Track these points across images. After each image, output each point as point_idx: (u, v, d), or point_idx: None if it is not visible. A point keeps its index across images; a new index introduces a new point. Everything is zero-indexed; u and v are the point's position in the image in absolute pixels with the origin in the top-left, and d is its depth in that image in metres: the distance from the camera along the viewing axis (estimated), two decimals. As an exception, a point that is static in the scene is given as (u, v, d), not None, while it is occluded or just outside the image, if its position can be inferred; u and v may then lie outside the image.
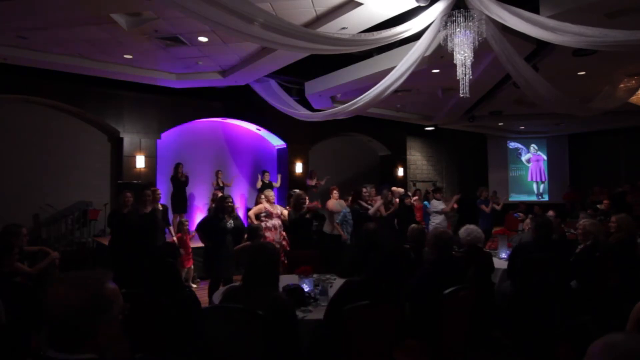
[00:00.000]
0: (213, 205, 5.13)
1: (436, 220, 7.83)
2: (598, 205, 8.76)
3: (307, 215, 5.80)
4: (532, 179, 14.77)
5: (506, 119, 11.74)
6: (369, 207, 6.49)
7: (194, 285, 6.38)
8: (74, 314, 1.14)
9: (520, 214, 9.45)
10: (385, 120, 11.06)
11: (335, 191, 7.23)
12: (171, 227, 5.73)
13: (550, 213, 5.73)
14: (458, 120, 11.09)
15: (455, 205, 8.30)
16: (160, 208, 5.60)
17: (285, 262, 5.70)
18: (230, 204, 5.03)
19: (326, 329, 2.48)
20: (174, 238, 6.22)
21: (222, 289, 3.75)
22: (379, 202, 6.63)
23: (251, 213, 5.94)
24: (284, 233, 5.94)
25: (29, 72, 7.03)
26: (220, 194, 5.68)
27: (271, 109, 8.30)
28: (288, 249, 5.72)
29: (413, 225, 4.62)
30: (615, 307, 3.10)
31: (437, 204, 8.01)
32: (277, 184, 9.95)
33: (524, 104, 9.50)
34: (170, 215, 8.41)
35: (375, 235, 4.68)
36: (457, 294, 2.92)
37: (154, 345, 2.67)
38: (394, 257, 2.62)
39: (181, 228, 6.47)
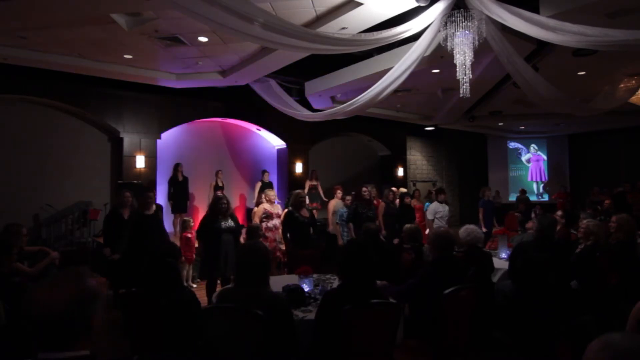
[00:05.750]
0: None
1: (438, 224, 7.35)
2: (598, 207, 8.74)
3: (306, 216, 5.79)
4: (532, 179, 14.78)
5: (506, 119, 11.74)
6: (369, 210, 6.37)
7: (194, 285, 6.39)
8: (66, 310, 1.15)
9: (518, 214, 9.43)
10: (385, 120, 11.06)
11: (338, 191, 7.24)
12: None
13: (558, 214, 5.54)
14: (458, 120, 11.10)
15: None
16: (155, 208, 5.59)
17: (284, 259, 5.71)
18: (224, 205, 5.04)
19: (318, 343, 2.45)
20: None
21: (219, 289, 3.76)
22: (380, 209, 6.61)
23: (256, 218, 5.96)
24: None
25: (29, 72, 7.03)
26: (220, 194, 5.67)
27: (271, 109, 8.30)
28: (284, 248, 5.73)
29: (407, 225, 4.61)
30: (615, 307, 3.10)
31: (438, 207, 7.46)
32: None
33: (524, 104, 9.51)
34: (170, 216, 8.45)
35: (376, 235, 4.69)
36: (458, 293, 2.92)
37: (154, 346, 2.67)
38: (357, 256, 2.51)
39: (186, 227, 6.48)
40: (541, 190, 14.57)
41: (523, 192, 11.83)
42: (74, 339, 1.16)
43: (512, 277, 3.73)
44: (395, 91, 6.34)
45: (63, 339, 1.15)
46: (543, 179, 14.67)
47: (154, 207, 5.29)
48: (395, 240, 6.04)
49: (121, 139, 8.70)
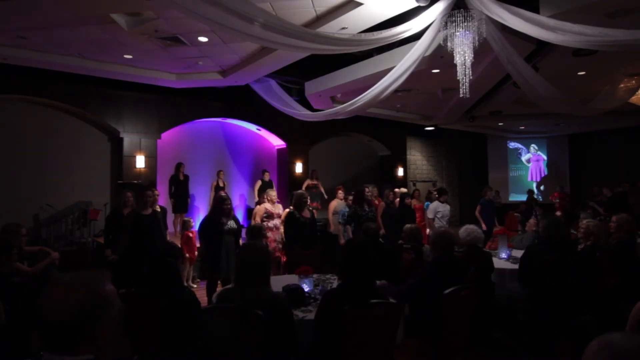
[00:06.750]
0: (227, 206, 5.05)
1: (439, 224, 7.26)
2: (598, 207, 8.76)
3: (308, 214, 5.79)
4: (532, 179, 14.78)
5: (506, 119, 11.74)
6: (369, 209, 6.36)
7: (194, 286, 6.39)
8: (72, 314, 1.11)
9: (518, 214, 9.45)
10: (385, 120, 11.06)
11: (340, 191, 7.26)
12: (166, 232, 5.67)
13: (557, 214, 5.58)
14: (458, 120, 11.09)
15: None
16: (159, 209, 5.56)
17: (284, 259, 5.71)
18: (228, 206, 5.03)
19: (318, 343, 2.44)
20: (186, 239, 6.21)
21: (219, 290, 3.76)
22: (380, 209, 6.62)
23: (258, 218, 5.97)
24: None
25: (29, 72, 7.03)
26: (223, 194, 5.65)
27: (271, 109, 8.29)
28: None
29: (407, 225, 4.61)
30: (615, 307, 3.10)
31: (439, 206, 7.34)
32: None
33: (524, 104, 9.51)
34: (171, 216, 8.45)
35: (376, 235, 4.69)
36: (458, 293, 2.92)
37: (154, 346, 2.67)
38: (357, 256, 2.50)
39: (186, 227, 6.48)
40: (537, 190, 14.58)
41: (531, 192, 11.83)
42: (75, 344, 1.13)
43: (524, 281, 3.69)
44: (396, 91, 6.34)
45: (64, 342, 1.13)
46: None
47: (156, 206, 5.26)
48: (400, 241, 6.04)
49: (121, 139, 8.70)
